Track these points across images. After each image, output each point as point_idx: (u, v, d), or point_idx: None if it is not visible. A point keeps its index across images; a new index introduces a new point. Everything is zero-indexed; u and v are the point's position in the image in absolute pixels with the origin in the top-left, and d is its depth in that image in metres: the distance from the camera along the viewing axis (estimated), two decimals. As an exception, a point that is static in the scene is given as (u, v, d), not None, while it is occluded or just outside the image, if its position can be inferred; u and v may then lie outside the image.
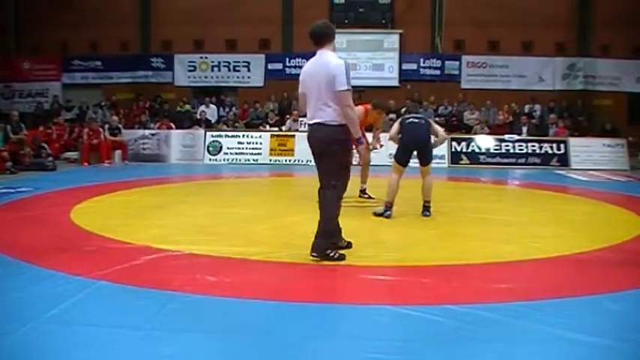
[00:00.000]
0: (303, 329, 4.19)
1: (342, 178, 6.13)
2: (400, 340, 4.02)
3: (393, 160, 9.20)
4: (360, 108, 9.88)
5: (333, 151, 5.98)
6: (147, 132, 19.11)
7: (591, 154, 18.64)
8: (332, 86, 5.86)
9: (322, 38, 6.19)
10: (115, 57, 23.58)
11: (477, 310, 4.56)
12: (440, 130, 9.46)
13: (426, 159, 9.13)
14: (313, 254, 6.08)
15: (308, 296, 5.02)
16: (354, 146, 6.27)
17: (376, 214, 8.85)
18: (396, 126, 9.29)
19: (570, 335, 4.10)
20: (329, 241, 6.20)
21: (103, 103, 22.33)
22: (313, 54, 6.17)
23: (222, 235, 7.35)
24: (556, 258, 6.44)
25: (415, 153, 9.08)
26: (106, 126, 18.58)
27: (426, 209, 9.01)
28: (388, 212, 8.83)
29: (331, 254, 6.10)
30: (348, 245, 6.56)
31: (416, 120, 9.11)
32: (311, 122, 6.16)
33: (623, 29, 22.51)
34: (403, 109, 9.51)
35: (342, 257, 6.13)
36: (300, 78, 6.30)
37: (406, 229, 8.02)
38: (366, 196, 10.62)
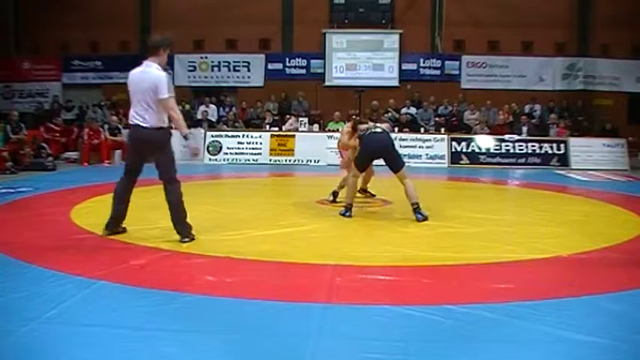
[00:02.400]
0: (303, 329, 4.19)
1: (174, 171, 7.03)
2: (400, 341, 4.02)
3: (353, 164, 9.20)
4: (346, 129, 10.00)
5: (156, 150, 6.90)
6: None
7: (591, 154, 18.62)
8: (154, 94, 6.70)
9: (151, 51, 6.97)
10: (115, 57, 23.41)
11: (476, 310, 4.57)
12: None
13: (396, 165, 8.82)
14: (184, 240, 6.86)
15: (308, 296, 5.03)
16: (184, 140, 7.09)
17: (341, 214, 8.87)
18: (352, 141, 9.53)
19: (570, 335, 4.10)
20: (185, 224, 6.96)
21: (102, 103, 22.32)
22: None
23: (222, 235, 7.35)
24: (556, 258, 6.45)
25: (383, 162, 8.97)
26: (106, 126, 18.57)
27: (418, 212, 8.57)
28: (348, 213, 8.82)
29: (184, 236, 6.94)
30: (124, 230, 7.24)
31: (374, 130, 9.05)
32: (132, 123, 6.92)
33: (623, 29, 22.47)
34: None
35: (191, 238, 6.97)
36: (128, 82, 6.98)
37: (405, 229, 8.01)
38: (368, 193, 10.59)
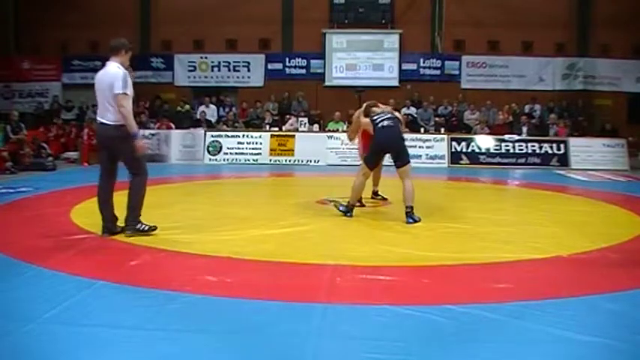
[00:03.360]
0: (303, 329, 4.20)
1: (141, 167, 7.22)
2: (400, 340, 4.02)
3: (362, 162, 9.16)
4: (360, 111, 9.84)
5: (119, 147, 7.07)
6: (147, 132, 19.07)
7: (591, 154, 18.61)
8: (110, 91, 6.94)
9: (112, 51, 7.25)
10: (114, 57, 23.34)
11: (476, 310, 4.57)
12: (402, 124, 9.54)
13: (402, 161, 8.75)
14: (127, 232, 7.13)
15: (308, 296, 5.03)
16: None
17: (341, 211, 8.86)
18: (370, 127, 9.12)
19: (570, 335, 4.11)
20: (135, 215, 7.19)
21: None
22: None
23: (221, 235, 7.35)
24: (556, 258, 6.46)
25: (389, 155, 9.02)
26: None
27: (410, 215, 8.44)
28: (350, 213, 8.82)
29: (142, 227, 7.19)
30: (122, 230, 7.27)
31: (389, 123, 8.89)
32: (98, 121, 7.19)
33: (622, 29, 22.48)
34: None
35: (153, 228, 7.26)
36: (95, 83, 7.27)
37: (405, 229, 8.01)
38: (379, 197, 10.50)
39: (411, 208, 8.53)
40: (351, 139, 10.66)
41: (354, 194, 8.94)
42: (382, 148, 8.95)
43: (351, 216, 8.77)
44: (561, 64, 23.47)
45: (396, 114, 9.49)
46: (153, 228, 7.26)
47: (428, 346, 3.94)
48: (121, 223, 7.26)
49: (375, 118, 8.99)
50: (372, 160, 9.01)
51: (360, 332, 4.19)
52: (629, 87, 23.34)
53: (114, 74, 6.98)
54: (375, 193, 10.53)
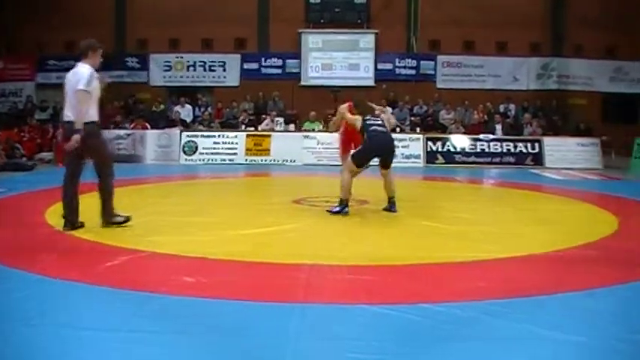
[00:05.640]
0: (281, 330, 4.18)
1: (107, 166, 7.55)
2: (377, 340, 4.03)
3: (350, 159, 9.09)
4: (344, 106, 9.80)
5: (90, 146, 7.29)
6: (122, 132, 18.95)
7: (565, 153, 18.79)
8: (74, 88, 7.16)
9: (81, 54, 7.44)
10: (90, 57, 23.10)
11: (454, 309, 4.59)
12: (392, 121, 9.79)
13: (389, 163, 9.16)
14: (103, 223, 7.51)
15: (286, 296, 5.01)
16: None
17: (334, 212, 8.83)
18: (358, 123, 9.22)
19: (547, 333, 4.13)
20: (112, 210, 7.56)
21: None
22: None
23: (197, 235, 7.32)
24: (532, 256, 6.50)
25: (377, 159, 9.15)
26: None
27: (393, 205, 9.08)
28: (346, 209, 8.85)
29: (118, 219, 7.57)
30: (82, 225, 7.51)
31: (382, 129, 9.10)
32: (65, 119, 7.38)
33: (596, 30, 22.72)
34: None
35: (127, 219, 7.63)
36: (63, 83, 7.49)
37: (383, 229, 8.04)
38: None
39: (394, 198, 9.06)
40: (333, 131, 10.63)
41: (344, 191, 8.92)
42: (376, 153, 9.07)
43: (347, 213, 8.79)
44: (535, 64, 23.69)
45: (385, 115, 9.53)
46: (126, 219, 7.62)
47: (405, 346, 3.95)
48: (107, 227, 7.53)
49: (368, 120, 9.14)
50: (361, 160, 9.01)
51: (338, 332, 4.19)
52: (603, 87, 23.63)
53: (80, 73, 7.22)
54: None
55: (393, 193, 9.13)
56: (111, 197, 7.57)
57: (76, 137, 7.09)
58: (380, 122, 9.17)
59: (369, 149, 8.97)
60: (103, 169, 7.52)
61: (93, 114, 7.32)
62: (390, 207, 9.07)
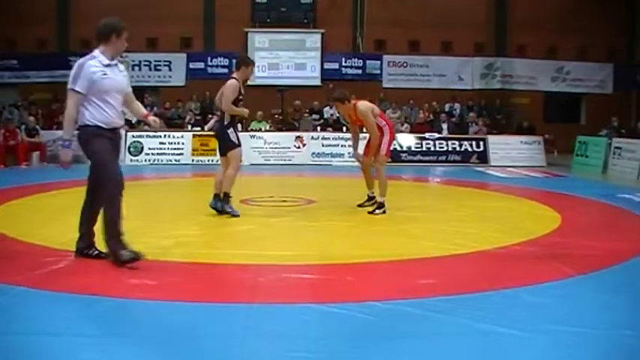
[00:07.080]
0: (227, 330, 4.14)
1: (101, 177, 6.37)
2: (324, 338, 4.01)
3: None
4: (368, 104, 9.48)
5: (81, 149, 6.16)
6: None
7: (509, 151, 19.12)
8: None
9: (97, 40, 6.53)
10: (31, 56, 22.58)
11: (399, 306, 4.60)
12: None
13: None
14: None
15: (232, 297, 4.97)
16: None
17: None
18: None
19: (491, 328, 4.16)
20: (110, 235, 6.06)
21: (19, 103, 21.61)
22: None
23: (142, 237, 7.19)
24: (476, 253, 6.57)
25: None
26: (23, 127, 18.04)
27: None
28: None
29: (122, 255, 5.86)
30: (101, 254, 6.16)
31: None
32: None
33: (538, 30, 23.25)
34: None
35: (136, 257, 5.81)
36: None
37: (329, 228, 8.03)
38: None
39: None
40: (374, 137, 9.47)
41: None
42: None
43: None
44: (480, 64, 24.07)
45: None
46: (136, 257, 5.79)
47: (352, 343, 3.94)
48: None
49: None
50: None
51: (284, 331, 4.16)
52: (545, 86, 24.16)
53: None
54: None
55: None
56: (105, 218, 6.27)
57: (63, 151, 6.14)
58: None
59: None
60: (89, 175, 6.45)
61: (88, 115, 6.19)
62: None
